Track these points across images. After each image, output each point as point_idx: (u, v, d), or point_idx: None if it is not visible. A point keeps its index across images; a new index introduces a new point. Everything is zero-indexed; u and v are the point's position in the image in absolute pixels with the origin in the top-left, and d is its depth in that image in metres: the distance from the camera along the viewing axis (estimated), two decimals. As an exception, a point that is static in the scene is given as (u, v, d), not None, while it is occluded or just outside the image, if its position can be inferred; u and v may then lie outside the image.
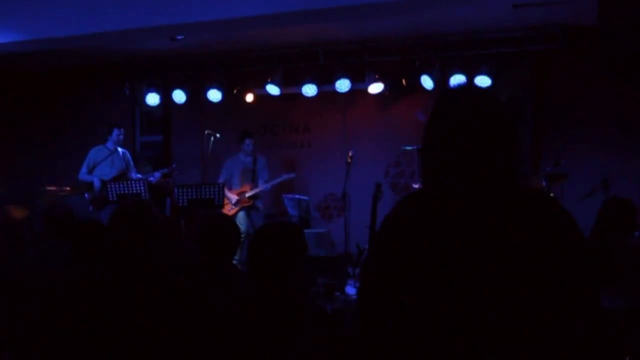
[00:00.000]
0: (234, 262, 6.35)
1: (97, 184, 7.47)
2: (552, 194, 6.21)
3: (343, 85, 8.06)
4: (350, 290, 6.16)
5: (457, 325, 1.41)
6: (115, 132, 7.61)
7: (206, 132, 7.94)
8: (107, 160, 7.62)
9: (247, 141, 7.77)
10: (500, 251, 1.42)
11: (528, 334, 1.40)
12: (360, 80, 8.05)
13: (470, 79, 7.50)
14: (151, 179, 7.63)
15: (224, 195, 7.25)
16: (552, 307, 1.41)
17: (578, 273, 1.45)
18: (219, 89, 8.46)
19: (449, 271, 1.43)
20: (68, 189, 8.23)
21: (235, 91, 8.58)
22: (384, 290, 1.50)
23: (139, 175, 7.73)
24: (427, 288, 1.44)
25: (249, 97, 8.59)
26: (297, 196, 8.11)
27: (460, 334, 1.41)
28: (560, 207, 1.51)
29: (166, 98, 8.82)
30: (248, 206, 7.71)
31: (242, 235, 7.25)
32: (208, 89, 8.48)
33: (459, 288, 1.41)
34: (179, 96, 8.70)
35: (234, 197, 7.70)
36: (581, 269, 1.46)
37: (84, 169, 7.60)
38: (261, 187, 7.75)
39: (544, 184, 6.24)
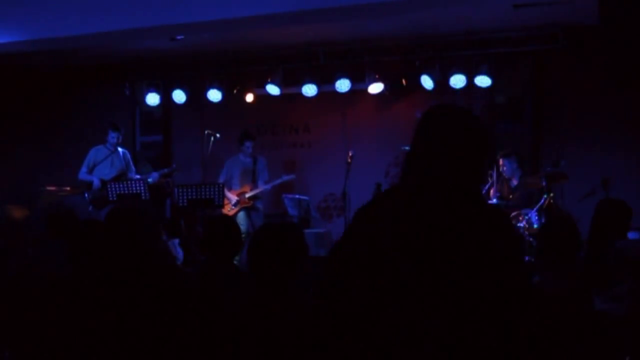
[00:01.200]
0: (234, 262, 6.35)
1: (96, 183, 7.47)
2: (552, 194, 6.21)
3: (343, 85, 8.06)
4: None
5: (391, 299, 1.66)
6: (111, 134, 7.59)
7: (206, 132, 7.93)
8: (107, 160, 7.62)
9: (247, 144, 7.77)
10: (438, 246, 1.64)
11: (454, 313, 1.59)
12: (360, 80, 8.04)
13: (470, 78, 7.51)
14: (150, 179, 7.62)
15: (223, 195, 7.24)
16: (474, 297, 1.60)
17: (504, 273, 1.65)
18: (219, 89, 8.45)
19: (392, 256, 1.68)
20: (68, 189, 8.23)
21: (235, 91, 8.57)
22: (343, 262, 1.80)
23: (137, 176, 7.72)
24: (372, 268, 1.71)
25: (249, 97, 8.58)
26: (297, 196, 8.11)
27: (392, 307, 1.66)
28: (502, 217, 1.78)
29: (166, 98, 8.82)
30: (248, 206, 7.71)
31: (242, 236, 7.25)
32: (208, 89, 8.47)
33: (396, 269, 1.67)
34: (179, 96, 8.70)
35: (233, 198, 7.70)
36: (508, 270, 1.66)
37: (84, 169, 7.60)
38: (261, 188, 7.75)
39: (544, 184, 6.23)
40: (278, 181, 7.86)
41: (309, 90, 8.22)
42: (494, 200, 6.72)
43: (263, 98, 8.55)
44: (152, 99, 8.76)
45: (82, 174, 7.59)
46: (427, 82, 7.68)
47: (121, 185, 7.22)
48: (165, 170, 7.97)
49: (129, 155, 7.90)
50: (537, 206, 6.18)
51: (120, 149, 7.72)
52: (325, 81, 8.14)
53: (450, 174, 1.72)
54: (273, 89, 8.29)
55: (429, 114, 1.83)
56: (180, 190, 7.08)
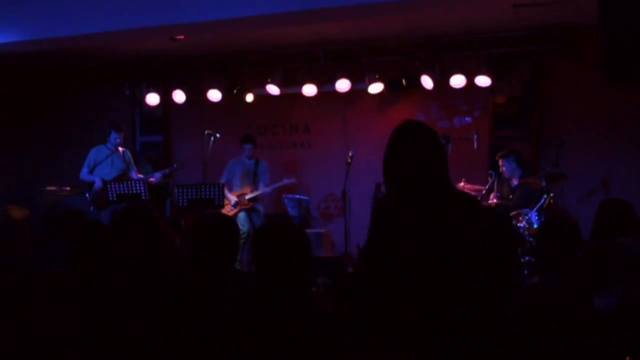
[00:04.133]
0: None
1: (98, 184, 7.46)
2: (552, 194, 6.21)
3: (343, 85, 8.06)
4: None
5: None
6: (113, 134, 7.58)
7: (206, 132, 7.93)
8: (107, 160, 7.61)
9: (245, 146, 7.87)
10: (436, 235, 2.39)
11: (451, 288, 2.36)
12: (360, 80, 8.05)
13: (470, 78, 7.51)
14: (152, 179, 7.62)
15: (224, 196, 7.25)
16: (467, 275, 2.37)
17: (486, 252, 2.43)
18: (219, 89, 8.46)
19: (406, 247, 2.44)
20: (68, 189, 8.23)
21: (235, 91, 8.57)
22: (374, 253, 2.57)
23: (139, 176, 7.72)
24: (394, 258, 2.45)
25: (249, 97, 8.59)
26: (297, 196, 8.11)
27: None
28: (477, 203, 2.73)
29: (166, 98, 8.82)
30: (248, 208, 7.73)
31: (243, 236, 7.27)
32: (208, 89, 8.48)
33: (409, 256, 2.42)
34: (179, 96, 8.70)
35: (233, 198, 7.72)
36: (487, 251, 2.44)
37: (84, 169, 7.59)
38: (261, 190, 7.78)
39: (543, 184, 6.22)
40: (278, 184, 7.88)
41: (309, 90, 8.22)
42: (494, 201, 6.72)
43: (263, 98, 8.55)
44: (152, 99, 8.76)
45: (84, 174, 7.59)
46: (427, 82, 7.69)
47: (121, 185, 7.22)
48: (167, 170, 7.97)
49: (129, 155, 7.89)
50: (537, 206, 6.18)
51: (120, 149, 7.72)
52: (325, 81, 8.14)
53: (435, 180, 2.45)
54: (273, 89, 8.29)
55: (400, 133, 2.53)
56: (180, 190, 7.09)
